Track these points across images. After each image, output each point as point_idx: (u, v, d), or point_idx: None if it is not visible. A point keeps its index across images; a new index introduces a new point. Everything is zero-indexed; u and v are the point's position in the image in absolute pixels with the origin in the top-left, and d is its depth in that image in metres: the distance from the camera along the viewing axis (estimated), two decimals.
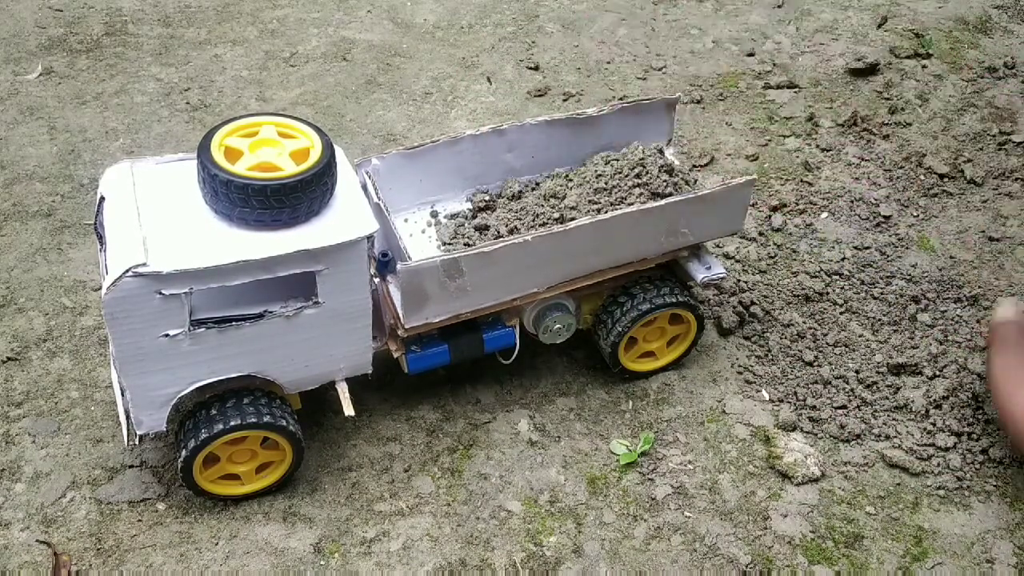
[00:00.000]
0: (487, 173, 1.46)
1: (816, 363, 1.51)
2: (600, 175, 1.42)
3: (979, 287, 1.66)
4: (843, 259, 1.70)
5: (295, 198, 1.13)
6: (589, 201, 1.39)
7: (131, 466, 1.34)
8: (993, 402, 1.30)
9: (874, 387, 1.48)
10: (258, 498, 1.31)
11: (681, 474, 1.36)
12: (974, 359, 1.52)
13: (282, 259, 1.13)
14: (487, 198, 1.44)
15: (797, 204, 1.81)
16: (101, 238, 1.18)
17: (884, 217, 1.79)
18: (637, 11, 2.39)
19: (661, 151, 1.46)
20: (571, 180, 1.44)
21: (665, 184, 1.40)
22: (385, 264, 1.28)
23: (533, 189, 1.46)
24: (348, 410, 1.28)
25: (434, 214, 1.45)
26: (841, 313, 1.60)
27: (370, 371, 1.31)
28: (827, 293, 1.63)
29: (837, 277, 1.67)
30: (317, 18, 2.33)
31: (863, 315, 1.60)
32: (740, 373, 1.50)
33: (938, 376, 1.49)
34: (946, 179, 1.88)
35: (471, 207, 1.44)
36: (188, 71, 2.12)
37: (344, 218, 1.17)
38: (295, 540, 1.26)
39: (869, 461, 1.38)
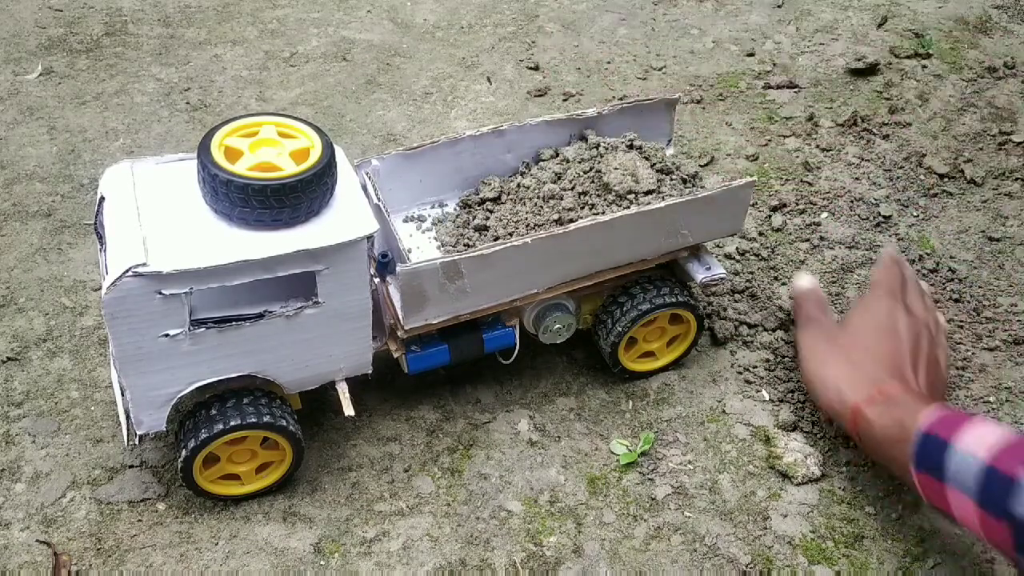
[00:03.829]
0: (487, 174, 1.46)
1: None
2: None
3: (979, 287, 1.66)
4: (844, 259, 1.70)
5: (295, 198, 1.13)
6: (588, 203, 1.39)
7: (131, 466, 1.34)
8: (801, 374, 1.39)
9: None
10: (258, 498, 1.31)
11: (681, 474, 1.36)
12: (976, 357, 1.52)
13: (282, 259, 1.13)
14: (487, 198, 1.44)
15: (797, 204, 1.81)
16: (101, 238, 1.18)
17: (884, 217, 1.79)
18: (637, 11, 2.39)
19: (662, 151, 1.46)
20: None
21: (660, 182, 1.40)
22: (385, 265, 1.29)
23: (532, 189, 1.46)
24: (348, 410, 1.28)
25: (434, 215, 1.45)
26: (840, 312, 1.60)
27: (370, 371, 1.31)
28: (827, 292, 1.63)
29: (838, 276, 1.67)
30: (317, 18, 2.33)
31: None
32: (740, 373, 1.51)
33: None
34: (946, 179, 1.88)
35: (470, 208, 1.44)
36: (188, 71, 2.12)
37: (344, 218, 1.17)
38: (295, 540, 1.26)
39: (869, 461, 1.38)
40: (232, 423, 1.21)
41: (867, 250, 1.72)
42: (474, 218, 1.40)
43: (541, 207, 1.39)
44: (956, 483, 1.09)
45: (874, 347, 1.33)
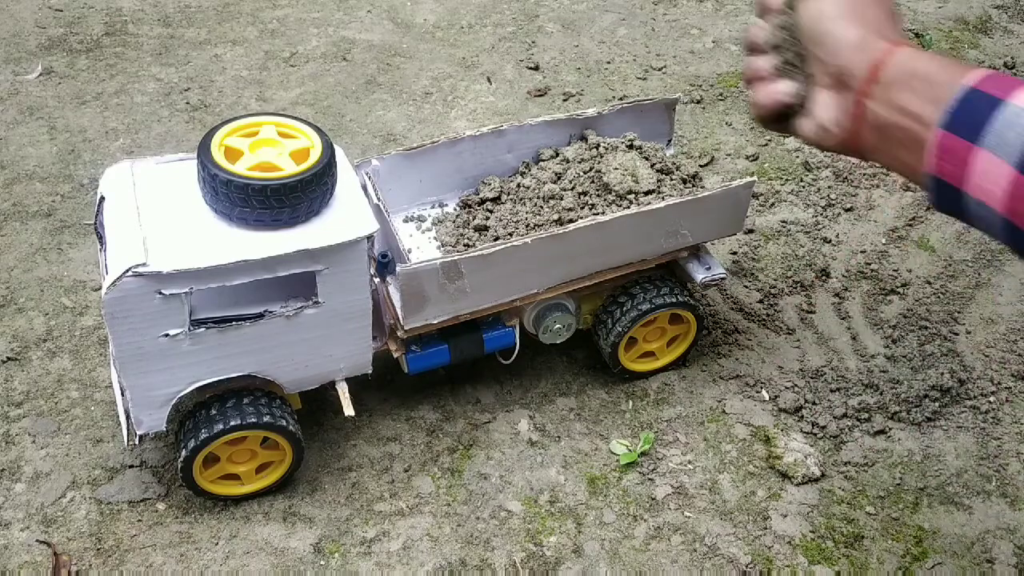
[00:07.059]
0: (487, 174, 1.46)
1: (817, 362, 1.51)
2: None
3: (979, 287, 1.66)
4: (843, 259, 1.70)
5: (295, 198, 1.13)
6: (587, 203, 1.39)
7: (131, 466, 1.34)
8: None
9: (875, 387, 1.48)
10: (258, 498, 1.31)
11: (681, 474, 1.36)
12: (975, 359, 1.52)
13: (282, 259, 1.13)
14: (487, 198, 1.44)
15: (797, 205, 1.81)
16: (101, 238, 1.18)
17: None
18: (637, 11, 2.39)
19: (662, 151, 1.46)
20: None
21: (660, 182, 1.40)
22: (385, 265, 1.29)
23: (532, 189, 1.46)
24: (348, 410, 1.28)
25: (434, 215, 1.45)
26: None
27: (370, 371, 1.31)
28: (828, 291, 1.63)
29: (837, 276, 1.67)
30: (317, 18, 2.33)
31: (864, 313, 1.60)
32: (740, 375, 1.50)
33: (936, 375, 1.49)
34: None
35: (470, 208, 1.44)
36: (188, 71, 2.12)
37: (344, 218, 1.17)
38: (295, 540, 1.26)
39: (869, 461, 1.38)
40: (232, 423, 1.21)
41: (867, 251, 1.72)
42: (474, 218, 1.40)
43: (541, 207, 1.39)
44: (994, 144, 0.92)
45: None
